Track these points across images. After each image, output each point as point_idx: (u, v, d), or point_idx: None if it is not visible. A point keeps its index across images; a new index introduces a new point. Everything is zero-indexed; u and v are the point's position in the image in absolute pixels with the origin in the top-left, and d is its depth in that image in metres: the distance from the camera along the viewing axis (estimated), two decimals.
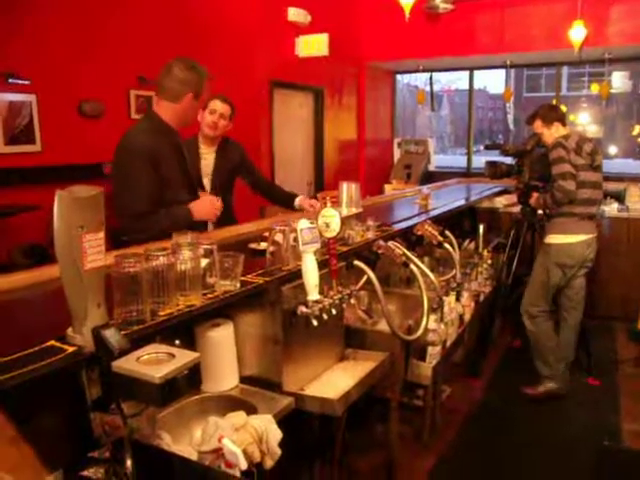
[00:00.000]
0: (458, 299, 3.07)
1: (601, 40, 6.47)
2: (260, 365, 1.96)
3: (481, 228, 3.97)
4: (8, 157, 3.73)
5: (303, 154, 7.16)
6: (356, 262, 2.28)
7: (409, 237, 3.16)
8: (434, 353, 2.61)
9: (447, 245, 3.05)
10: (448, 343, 2.81)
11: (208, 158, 3.33)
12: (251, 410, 1.71)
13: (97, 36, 4.15)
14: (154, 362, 1.28)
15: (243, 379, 1.96)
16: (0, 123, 3.69)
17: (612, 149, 21.92)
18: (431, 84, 8.40)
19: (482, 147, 5.85)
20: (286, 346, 1.93)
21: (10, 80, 3.64)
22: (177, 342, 1.67)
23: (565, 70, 16.62)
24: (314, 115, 7.26)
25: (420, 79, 9.06)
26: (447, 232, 3.15)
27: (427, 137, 9.35)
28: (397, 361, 2.36)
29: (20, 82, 3.69)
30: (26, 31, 3.71)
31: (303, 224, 1.90)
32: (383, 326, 2.46)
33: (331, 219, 2.02)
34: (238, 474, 1.43)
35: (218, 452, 1.46)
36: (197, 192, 2.71)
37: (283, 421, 1.73)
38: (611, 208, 5.35)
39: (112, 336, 1.25)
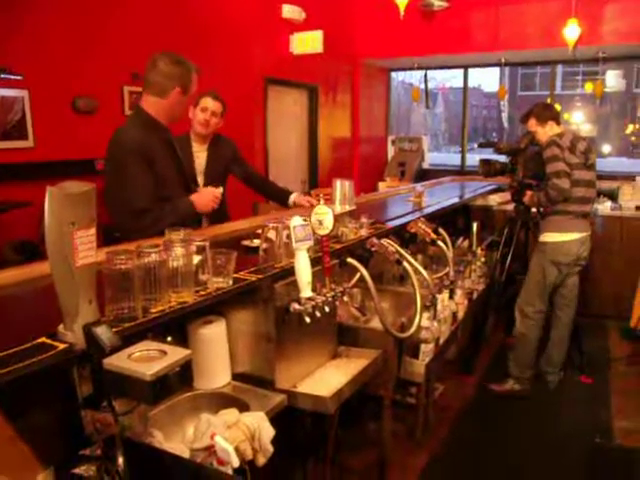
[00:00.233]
0: (451, 297, 3.07)
1: (595, 39, 6.49)
2: (253, 362, 1.96)
3: (475, 226, 3.97)
4: (0, 153, 3.70)
5: (297, 151, 7.16)
6: (349, 259, 2.28)
7: (402, 235, 3.16)
8: (427, 351, 2.62)
9: (440, 243, 3.06)
10: (441, 341, 2.81)
11: (200, 156, 3.32)
12: (243, 407, 1.70)
13: (91, 32, 4.12)
14: (145, 359, 1.27)
15: (235, 376, 1.96)
16: None
17: (606, 148, 22.03)
18: (426, 82, 8.40)
19: (476, 145, 5.86)
20: (279, 343, 1.92)
21: (2, 75, 3.61)
22: (169, 339, 1.67)
23: (559, 69, 16.67)
24: (308, 112, 7.25)
25: (415, 77, 9.08)
26: (441, 230, 3.16)
27: (421, 135, 9.35)
28: (390, 359, 2.36)
29: (12, 77, 3.66)
30: (19, 26, 3.69)
31: (296, 221, 1.89)
32: (376, 324, 2.45)
33: (324, 216, 2.01)
34: (230, 471, 1.43)
35: (210, 449, 1.46)
36: (192, 189, 2.70)
37: (275, 418, 1.73)
38: (604, 206, 5.37)
39: (103, 333, 1.25)
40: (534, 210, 4.17)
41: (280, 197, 3.53)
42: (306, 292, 1.90)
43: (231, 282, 1.76)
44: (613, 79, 7.88)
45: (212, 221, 2.82)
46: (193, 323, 1.85)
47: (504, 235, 4.32)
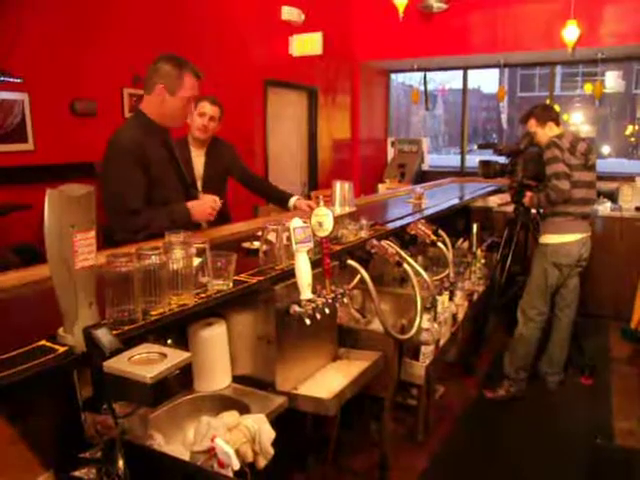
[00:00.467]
0: (451, 298, 3.07)
1: (594, 40, 6.49)
2: (253, 364, 1.96)
3: (475, 227, 3.97)
4: (0, 156, 3.70)
5: (297, 153, 7.16)
6: (349, 261, 2.28)
7: (403, 236, 3.16)
8: (427, 352, 2.61)
9: (440, 244, 3.06)
10: (441, 342, 2.81)
11: (198, 161, 3.31)
12: (244, 410, 1.70)
13: (91, 35, 4.13)
14: (146, 362, 1.27)
15: (236, 378, 1.96)
16: None
17: (605, 149, 22.04)
18: (425, 83, 8.41)
19: (476, 146, 5.87)
20: (279, 345, 1.92)
21: (2, 78, 3.61)
22: (169, 342, 1.67)
23: (559, 70, 16.68)
24: (308, 114, 7.25)
25: (414, 78, 9.08)
26: (441, 231, 3.16)
27: (421, 136, 9.35)
28: (390, 360, 2.36)
29: (12, 80, 3.66)
30: (19, 29, 3.69)
31: (296, 223, 1.89)
32: (376, 325, 2.46)
33: (324, 218, 2.02)
34: (231, 474, 1.43)
35: (211, 452, 1.46)
36: (192, 192, 2.69)
37: (276, 421, 1.73)
38: (604, 207, 5.38)
39: (103, 336, 1.24)
40: (534, 211, 4.17)
41: (280, 200, 3.52)
42: (306, 294, 1.90)
43: (231, 284, 1.76)
44: (612, 80, 7.87)
45: (213, 223, 2.81)
46: (193, 325, 1.85)
47: (504, 236, 4.32)
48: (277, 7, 6.05)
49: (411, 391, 3.16)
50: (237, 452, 1.47)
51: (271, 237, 1.99)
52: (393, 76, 9.25)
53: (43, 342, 1.28)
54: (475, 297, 3.56)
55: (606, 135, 23.80)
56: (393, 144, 8.79)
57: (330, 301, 1.99)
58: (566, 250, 3.64)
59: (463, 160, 8.65)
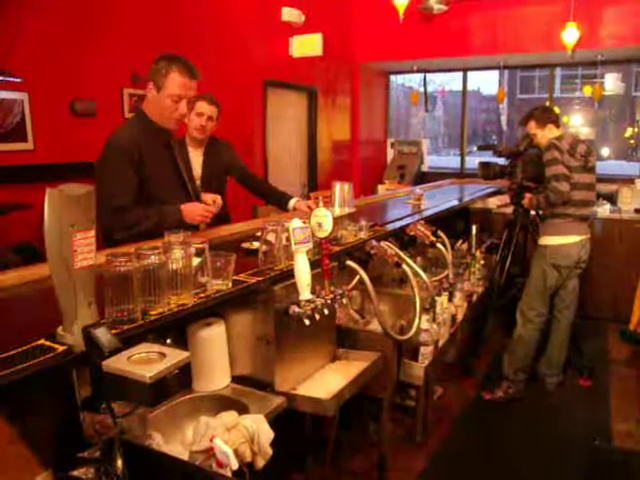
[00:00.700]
0: (450, 299, 3.07)
1: (594, 42, 6.50)
2: (252, 365, 1.96)
3: (474, 228, 3.97)
4: (0, 155, 3.70)
5: (296, 154, 7.16)
6: (348, 262, 2.29)
7: (402, 237, 3.16)
8: (426, 353, 2.62)
9: (440, 245, 3.06)
10: (440, 343, 2.81)
11: (197, 160, 3.30)
12: (243, 410, 1.70)
13: (91, 35, 4.13)
14: (145, 361, 1.27)
15: (235, 378, 1.96)
16: None
17: (605, 151, 22.05)
18: (425, 85, 8.42)
19: (475, 148, 5.88)
20: (278, 346, 1.93)
21: (2, 78, 3.61)
22: (168, 341, 1.67)
23: (558, 72, 16.69)
24: (308, 115, 7.26)
25: (414, 80, 9.10)
26: (440, 232, 3.16)
27: (421, 138, 9.37)
28: (389, 361, 2.36)
29: (12, 80, 3.66)
30: (19, 29, 3.69)
31: (295, 224, 1.90)
32: (375, 326, 2.46)
33: (323, 219, 2.02)
34: (229, 474, 1.43)
35: (209, 452, 1.46)
36: (192, 192, 2.69)
37: (275, 421, 1.73)
38: (603, 209, 5.38)
39: (103, 335, 1.24)
40: (533, 213, 4.18)
41: (279, 201, 3.50)
42: (305, 294, 1.90)
43: (230, 284, 1.76)
44: (612, 82, 7.88)
45: (212, 223, 2.81)
46: (192, 325, 1.85)
47: (503, 238, 4.33)
48: (277, 8, 6.05)
49: (410, 392, 3.16)
50: (236, 452, 1.47)
51: (270, 237, 1.99)
52: (393, 77, 9.26)
53: (42, 341, 1.28)
54: (474, 298, 3.56)
55: (605, 137, 23.82)
56: (393, 145, 8.80)
57: (329, 302, 1.99)
58: (565, 252, 3.65)
59: (463, 161, 8.65)
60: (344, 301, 2.16)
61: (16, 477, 1.23)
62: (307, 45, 6.31)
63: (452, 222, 4.69)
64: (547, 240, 3.70)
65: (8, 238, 3.57)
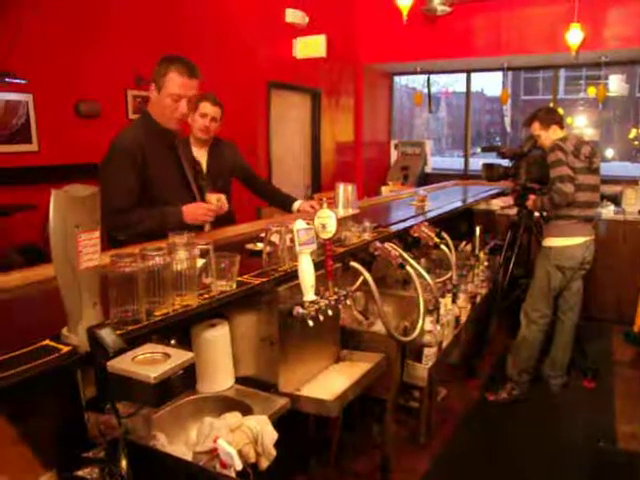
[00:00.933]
0: (454, 301, 3.07)
1: (598, 43, 6.49)
2: (256, 366, 1.96)
3: (478, 230, 3.97)
4: (4, 156, 3.71)
5: (300, 155, 7.17)
6: (352, 263, 2.29)
7: (406, 238, 3.16)
8: (430, 354, 2.61)
9: (443, 247, 3.06)
10: (444, 344, 2.81)
11: (201, 160, 3.31)
12: (247, 411, 1.70)
13: (95, 36, 4.14)
14: (149, 362, 1.27)
15: (239, 379, 1.96)
16: None
17: (609, 152, 21.98)
18: (428, 86, 8.41)
19: (479, 149, 5.87)
20: (282, 347, 1.93)
21: (6, 79, 3.62)
22: (173, 342, 1.67)
23: (562, 73, 16.66)
24: (311, 116, 7.26)
25: (418, 81, 9.08)
26: (444, 234, 3.16)
27: (424, 139, 9.36)
28: (393, 362, 2.36)
29: (17, 81, 3.67)
30: (23, 31, 3.70)
31: (299, 225, 1.90)
32: (379, 327, 2.46)
33: (327, 220, 2.01)
34: (233, 475, 1.43)
35: (213, 453, 1.46)
36: (197, 193, 2.69)
37: (279, 422, 1.73)
38: (607, 210, 5.37)
39: (107, 336, 1.25)
40: (537, 214, 4.17)
41: (283, 203, 3.51)
42: (309, 295, 1.90)
43: (235, 285, 1.76)
44: (616, 83, 7.86)
45: (217, 224, 2.82)
46: (197, 326, 1.85)
47: (507, 239, 4.32)
48: (281, 9, 6.05)
49: (413, 393, 3.16)
50: (239, 453, 1.47)
51: (274, 238, 1.99)
52: (396, 79, 9.26)
53: (47, 342, 1.29)
54: (478, 300, 3.56)
55: (610, 138, 23.74)
56: (396, 147, 8.80)
57: (333, 303, 1.99)
58: (569, 253, 3.64)
59: (466, 163, 8.66)
60: (348, 302, 2.15)
61: (20, 477, 1.23)
62: (311, 46, 6.32)
63: (456, 223, 4.68)
64: (551, 241, 3.70)
65: (13, 239, 3.59)
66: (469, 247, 4.05)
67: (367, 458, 2.84)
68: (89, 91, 4.17)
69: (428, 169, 8.60)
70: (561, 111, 4.35)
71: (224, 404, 1.80)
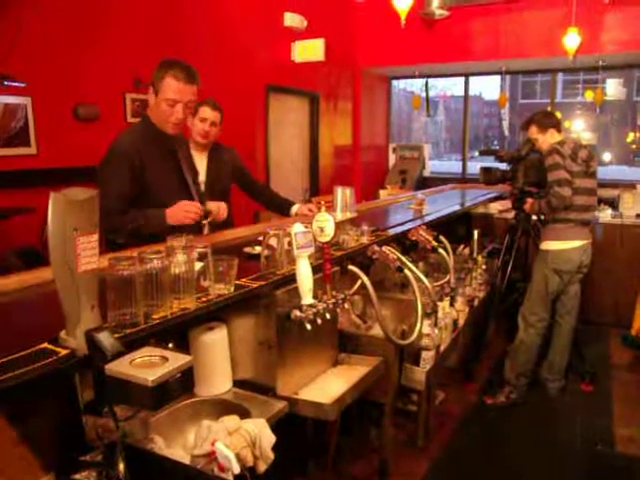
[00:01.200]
0: (452, 304, 3.07)
1: (595, 47, 6.52)
2: (254, 369, 1.96)
3: (475, 233, 3.97)
4: (3, 159, 3.72)
5: (298, 159, 7.18)
6: (350, 267, 2.29)
7: (404, 242, 3.16)
8: (428, 358, 2.61)
9: (441, 250, 3.06)
10: (442, 348, 2.81)
11: (200, 165, 3.30)
12: (244, 414, 1.70)
13: (94, 40, 4.15)
14: (147, 365, 1.28)
15: (237, 383, 1.96)
16: None
17: (607, 156, 22.05)
18: (427, 90, 8.43)
19: (477, 153, 5.88)
20: (280, 350, 1.93)
21: (5, 83, 3.63)
22: (170, 345, 1.67)
23: (560, 77, 16.71)
24: (309, 120, 7.27)
25: (416, 85, 9.11)
26: (442, 237, 3.16)
27: (422, 143, 9.37)
28: (391, 366, 2.36)
29: (15, 85, 3.68)
30: (22, 33, 3.71)
31: (297, 228, 1.90)
32: (377, 331, 2.46)
33: (325, 224, 2.02)
34: (231, 478, 1.43)
35: (211, 456, 1.46)
36: (195, 197, 2.68)
37: (276, 425, 1.73)
38: (605, 214, 5.38)
39: (105, 339, 1.25)
40: (535, 218, 4.18)
41: (281, 207, 3.50)
42: (307, 299, 1.91)
43: (232, 289, 1.77)
44: (614, 87, 7.90)
45: (215, 228, 2.82)
46: (194, 329, 1.86)
47: (505, 243, 4.33)
48: (280, 13, 6.07)
49: (411, 397, 3.16)
50: (237, 456, 1.47)
51: (272, 242, 1.99)
52: (395, 82, 9.28)
53: (45, 345, 1.29)
54: (476, 303, 3.56)
55: (607, 142, 23.82)
56: (394, 150, 8.82)
57: (331, 306, 1.99)
58: (567, 256, 3.65)
59: (464, 167, 8.67)
60: (346, 306, 2.16)
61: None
62: (309, 50, 6.34)
63: (454, 227, 4.69)
64: (549, 245, 3.70)
65: (11, 242, 3.59)
66: (467, 250, 4.05)
67: (365, 462, 2.83)
68: (88, 94, 4.17)
69: (426, 173, 8.61)
70: (559, 115, 4.37)
71: (222, 407, 1.80)
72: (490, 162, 4.45)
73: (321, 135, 7.36)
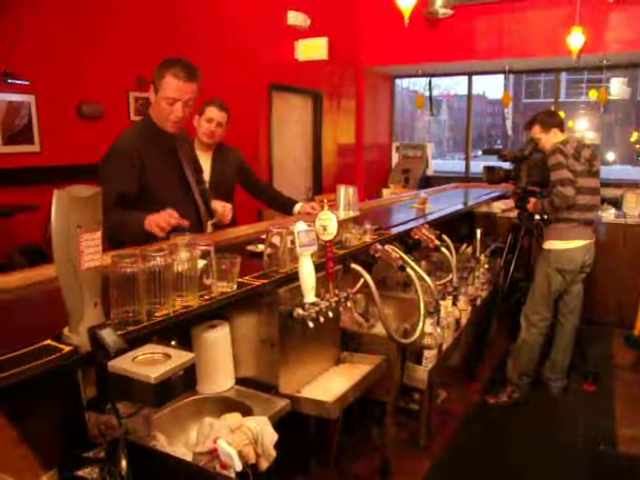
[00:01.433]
0: (455, 303, 3.07)
1: (599, 47, 6.50)
2: (256, 367, 1.97)
3: (478, 233, 3.97)
4: (6, 157, 3.72)
5: (301, 157, 7.17)
6: (353, 265, 2.29)
7: (406, 241, 3.16)
8: (430, 357, 2.61)
9: (444, 249, 3.06)
10: (444, 347, 2.81)
11: (205, 165, 3.30)
12: (247, 412, 1.71)
13: (97, 38, 4.15)
14: (150, 362, 1.28)
15: (239, 380, 1.96)
16: None
17: (610, 155, 21.98)
18: (430, 89, 8.42)
19: (480, 152, 5.88)
20: (282, 348, 1.93)
21: (9, 80, 3.64)
22: (173, 343, 1.68)
23: (564, 76, 16.68)
24: (313, 119, 7.27)
25: (419, 84, 9.09)
26: (444, 236, 3.16)
27: (425, 142, 9.37)
28: (393, 364, 2.36)
29: (19, 82, 3.69)
30: (26, 32, 3.72)
31: (300, 226, 1.90)
32: (379, 329, 2.46)
33: (328, 222, 2.02)
34: (233, 475, 1.43)
35: (213, 453, 1.46)
36: (197, 196, 2.68)
37: (279, 423, 1.73)
38: (608, 214, 5.37)
39: (108, 336, 1.25)
40: (538, 217, 4.17)
41: (284, 206, 3.49)
42: (310, 297, 1.91)
43: (235, 287, 1.77)
44: (618, 87, 7.88)
45: (219, 227, 2.82)
46: (197, 327, 1.86)
47: (508, 242, 4.32)
48: (283, 12, 6.07)
49: (413, 395, 3.16)
50: (239, 454, 1.47)
51: (275, 240, 1.99)
52: (398, 81, 9.27)
53: (48, 341, 1.29)
54: (478, 302, 3.56)
55: (611, 142, 23.74)
56: (397, 149, 8.81)
57: (333, 305, 1.99)
58: (569, 256, 3.64)
59: (467, 166, 8.66)
60: (348, 304, 2.16)
61: (21, 476, 1.24)
62: (312, 49, 6.34)
63: (456, 226, 4.69)
64: (551, 244, 3.70)
65: (15, 239, 3.59)
66: (470, 250, 4.05)
67: (367, 460, 2.84)
68: (91, 93, 4.18)
69: (429, 172, 8.61)
70: (562, 114, 4.36)
71: (224, 405, 1.81)
72: (493, 161, 4.45)
73: (324, 134, 7.35)
